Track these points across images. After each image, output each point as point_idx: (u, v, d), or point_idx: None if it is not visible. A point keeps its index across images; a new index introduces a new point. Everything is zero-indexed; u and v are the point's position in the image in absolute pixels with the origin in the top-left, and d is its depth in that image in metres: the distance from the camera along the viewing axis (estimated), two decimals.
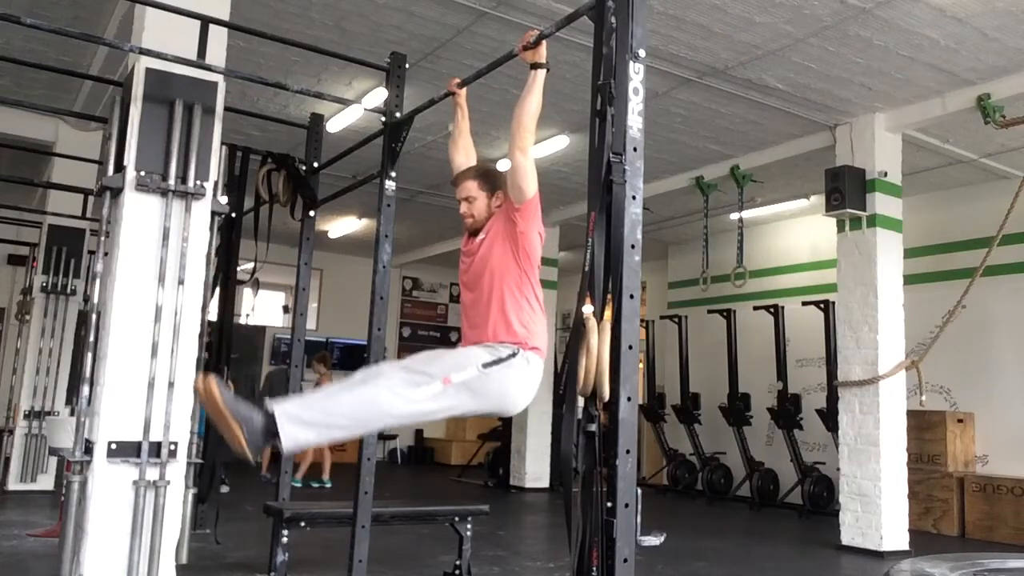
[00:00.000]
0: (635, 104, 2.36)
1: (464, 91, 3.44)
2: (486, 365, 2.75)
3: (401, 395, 2.63)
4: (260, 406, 2.55)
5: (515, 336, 2.85)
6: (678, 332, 11.35)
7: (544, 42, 2.90)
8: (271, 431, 2.51)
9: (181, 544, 3.96)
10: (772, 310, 10.02)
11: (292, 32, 5.74)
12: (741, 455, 10.10)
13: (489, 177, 3.07)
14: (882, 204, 7.18)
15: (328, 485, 9.89)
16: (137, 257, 3.60)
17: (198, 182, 3.72)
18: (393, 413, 2.65)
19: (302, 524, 4.43)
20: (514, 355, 2.80)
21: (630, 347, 2.25)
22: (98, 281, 3.75)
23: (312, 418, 2.56)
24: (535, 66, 2.88)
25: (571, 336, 2.33)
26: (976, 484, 8.03)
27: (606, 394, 2.25)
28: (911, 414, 7.29)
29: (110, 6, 5.78)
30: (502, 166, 6.97)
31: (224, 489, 8.14)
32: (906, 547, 6.83)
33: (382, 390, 2.63)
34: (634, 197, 2.33)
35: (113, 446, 3.45)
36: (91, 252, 7.08)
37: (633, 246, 2.30)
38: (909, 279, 7.40)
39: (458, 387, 2.70)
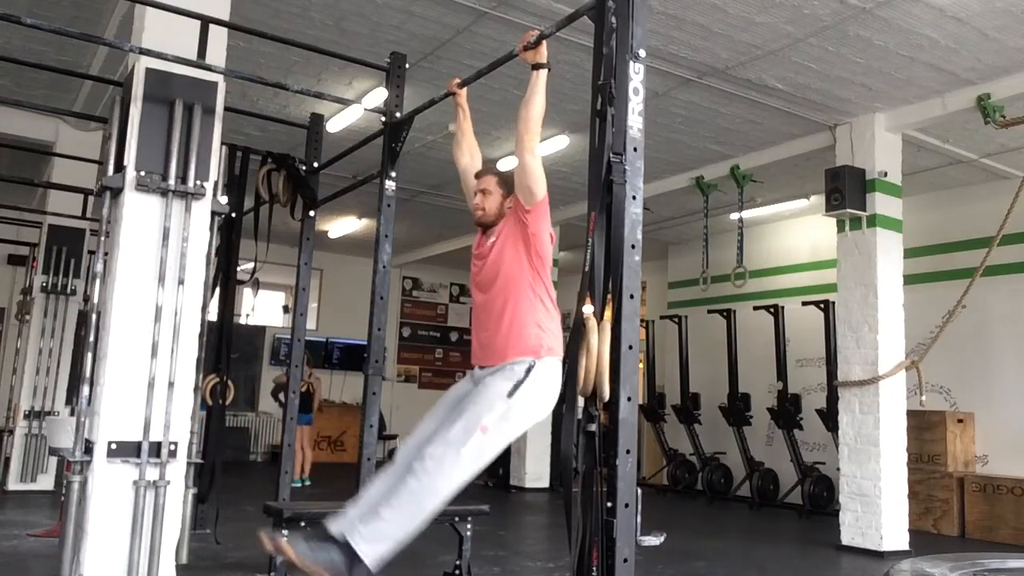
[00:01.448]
0: (635, 104, 2.36)
1: (464, 91, 3.44)
2: (510, 394, 2.77)
3: (453, 467, 2.66)
4: (327, 537, 2.60)
5: (528, 345, 2.86)
6: (678, 332, 11.35)
7: (544, 42, 2.90)
8: (353, 559, 2.55)
9: (181, 544, 3.97)
10: (772, 310, 10.02)
11: (292, 32, 5.74)
12: (741, 455, 10.10)
13: (509, 180, 3.09)
14: (882, 204, 7.18)
15: (308, 483, 9.93)
16: (137, 257, 3.60)
17: (198, 182, 3.72)
18: (454, 485, 2.68)
19: (302, 524, 4.42)
20: (531, 368, 2.81)
21: (630, 347, 2.25)
22: (98, 281, 3.75)
23: (385, 530, 2.59)
24: (536, 66, 2.88)
25: (571, 336, 2.34)
26: (976, 484, 8.03)
27: (606, 394, 2.25)
28: (911, 414, 7.29)
29: (110, 6, 5.78)
30: (505, 166, 6.98)
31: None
32: (906, 547, 6.83)
33: (434, 475, 2.65)
34: (634, 197, 2.33)
35: (113, 446, 3.45)
36: (91, 252, 7.08)
37: (633, 246, 2.30)
38: (909, 279, 7.40)
39: (496, 426, 2.73)
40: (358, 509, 2.68)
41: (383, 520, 2.60)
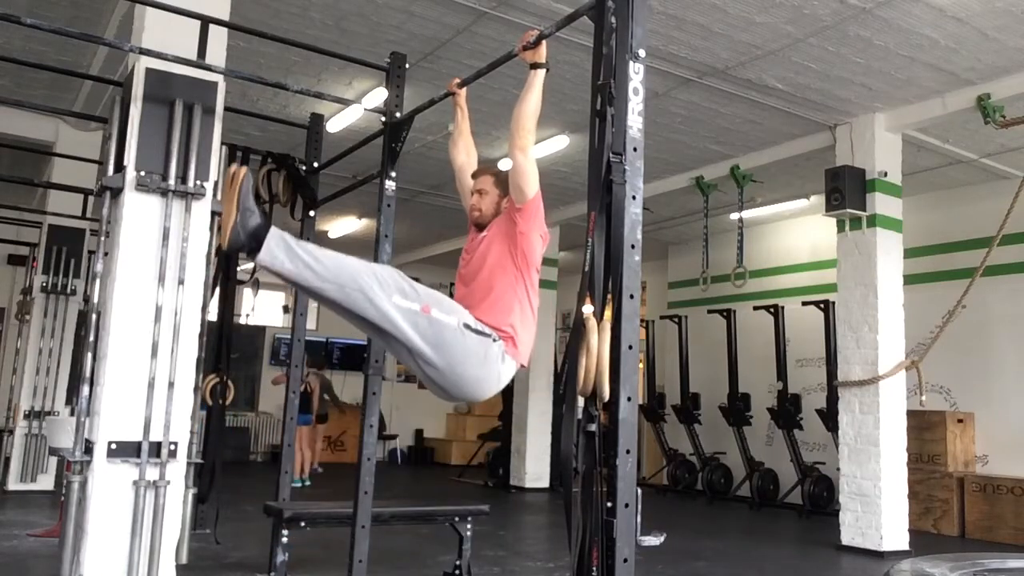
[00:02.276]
0: (635, 104, 2.36)
1: (464, 91, 3.44)
2: (467, 327, 2.68)
3: (382, 288, 2.57)
4: (265, 216, 2.52)
5: (501, 332, 2.79)
6: (678, 332, 11.35)
7: (544, 42, 2.89)
8: (258, 237, 2.46)
9: (181, 544, 3.97)
10: (772, 310, 10.02)
11: (292, 32, 5.74)
12: (741, 455, 10.10)
13: (505, 180, 3.05)
14: (882, 204, 7.18)
15: (307, 484, 9.91)
16: (137, 257, 3.60)
17: (198, 182, 3.72)
18: (365, 295, 2.56)
19: (302, 524, 4.43)
20: (495, 341, 2.74)
21: (630, 347, 2.25)
22: (98, 281, 3.75)
23: (298, 252, 2.50)
24: (535, 66, 2.88)
25: (571, 336, 2.33)
26: (976, 484, 8.03)
27: (606, 394, 2.25)
28: (911, 414, 7.29)
29: (110, 6, 5.79)
30: (504, 166, 6.97)
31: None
32: (906, 547, 6.83)
33: (370, 274, 2.58)
34: (634, 197, 2.33)
35: (113, 446, 3.45)
36: (91, 252, 7.08)
37: (633, 246, 2.29)
38: (909, 279, 7.40)
39: (430, 322, 2.61)
40: (300, 240, 2.57)
41: (304, 249, 2.51)
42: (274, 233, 2.49)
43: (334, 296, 2.59)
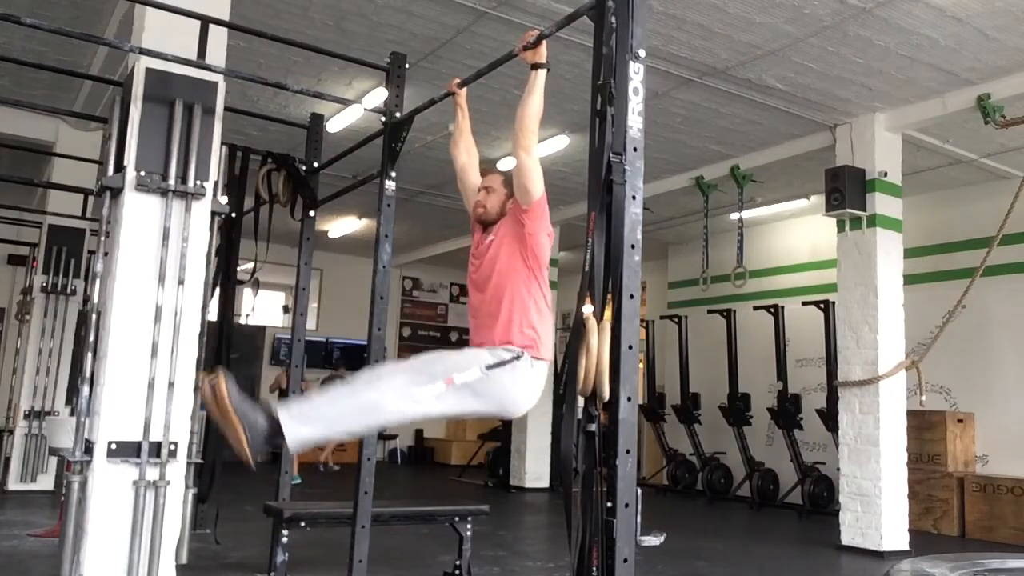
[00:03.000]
0: (635, 104, 2.36)
1: (464, 91, 3.44)
2: (489, 367, 2.76)
3: (405, 396, 2.64)
4: (264, 408, 2.55)
5: (521, 340, 2.85)
6: (678, 332, 11.35)
7: (544, 42, 2.90)
8: (275, 431, 2.51)
9: (181, 544, 3.97)
10: (772, 310, 10.01)
11: (292, 32, 5.74)
12: (741, 455, 10.10)
13: (512, 181, 3.08)
14: (882, 204, 7.18)
15: (297, 481, 9.94)
16: (137, 257, 3.60)
17: (198, 182, 3.72)
18: (397, 414, 2.66)
19: (302, 524, 4.42)
20: (518, 358, 2.81)
21: (630, 347, 2.25)
22: (98, 281, 3.75)
23: (317, 416, 2.57)
24: (535, 66, 2.88)
25: (571, 336, 2.33)
26: (976, 484, 8.03)
27: (606, 394, 2.25)
28: (911, 414, 7.29)
29: (110, 6, 5.78)
30: (504, 166, 6.97)
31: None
32: (906, 547, 6.83)
33: (386, 392, 2.64)
34: (634, 197, 2.33)
35: (113, 446, 3.45)
36: (91, 252, 7.08)
37: (633, 246, 2.29)
38: (909, 279, 7.40)
39: (460, 388, 2.71)
40: (303, 401, 2.66)
41: (319, 411, 2.58)
42: (285, 419, 2.51)
43: (371, 430, 2.69)
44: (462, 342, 15.64)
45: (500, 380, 2.78)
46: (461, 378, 2.71)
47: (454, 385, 2.69)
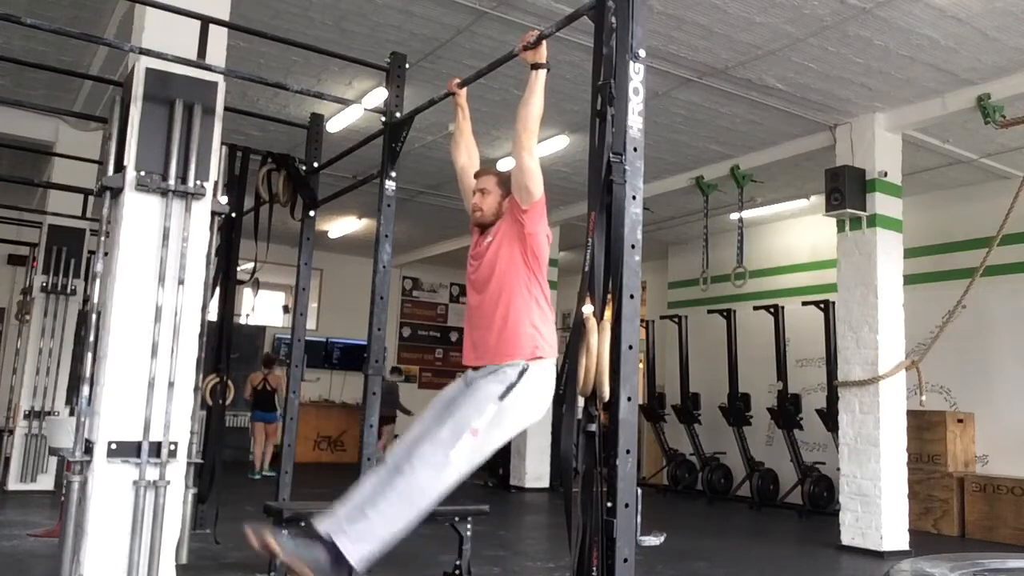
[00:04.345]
0: (635, 104, 2.36)
1: (464, 91, 3.44)
2: (502, 397, 2.76)
3: (441, 466, 2.65)
4: (314, 535, 2.57)
5: (521, 347, 2.85)
6: (678, 332, 11.35)
7: (544, 42, 2.90)
8: (338, 558, 2.53)
9: (181, 544, 3.96)
10: (772, 310, 10.02)
11: (292, 32, 5.74)
12: (741, 455, 10.10)
13: (507, 180, 3.08)
14: (882, 204, 7.18)
15: (267, 475, 10.01)
16: (137, 257, 3.59)
17: (198, 182, 3.72)
18: (442, 485, 2.66)
19: (302, 524, 4.42)
20: (524, 371, 2.81)
21: (630, 347, 2.25)
22: (98, 281, 3.74)
23: (369, 529, 2.57)
24: (535, 66, 2.88)
25: (571, 336, 2.33)
26: (976, 484, 8.03)
27: (606, 394, 2.25)
28: (911, 414, 7.29)
29: (110, 6, 5.78)
30: (504, 166, 6.97)
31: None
32: (906, 547, 6.83)
33: (420, 472, 2.64)
34: (634, 197, 2.33)
35: (113, 446, 3.44)
36: (91, 252, 7.07)
37: (633, 246, 2.29)
38: (909, 279, 7.40)
39: (486, 430, 2.71)
40: (345, 509, 2.67)
41: (369, 520, 2.58)
42: (344, 544, 2.52)
43: (426, 507, 2.67)
44: (462, 342, 15.62)
45: (517, 403, 2.79)
46: (481, 422, 2.71)
47: (480, 432, 2.70)
